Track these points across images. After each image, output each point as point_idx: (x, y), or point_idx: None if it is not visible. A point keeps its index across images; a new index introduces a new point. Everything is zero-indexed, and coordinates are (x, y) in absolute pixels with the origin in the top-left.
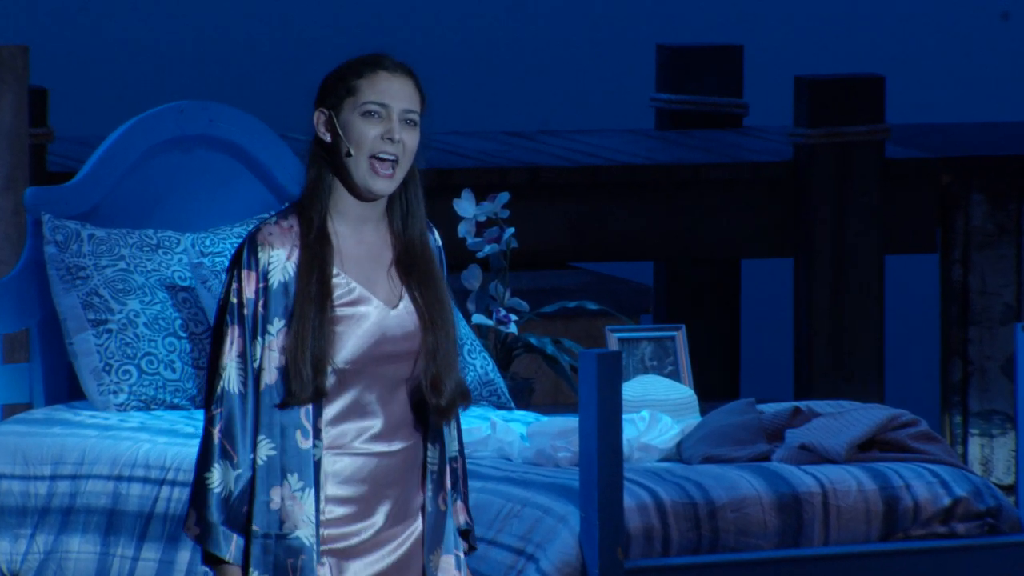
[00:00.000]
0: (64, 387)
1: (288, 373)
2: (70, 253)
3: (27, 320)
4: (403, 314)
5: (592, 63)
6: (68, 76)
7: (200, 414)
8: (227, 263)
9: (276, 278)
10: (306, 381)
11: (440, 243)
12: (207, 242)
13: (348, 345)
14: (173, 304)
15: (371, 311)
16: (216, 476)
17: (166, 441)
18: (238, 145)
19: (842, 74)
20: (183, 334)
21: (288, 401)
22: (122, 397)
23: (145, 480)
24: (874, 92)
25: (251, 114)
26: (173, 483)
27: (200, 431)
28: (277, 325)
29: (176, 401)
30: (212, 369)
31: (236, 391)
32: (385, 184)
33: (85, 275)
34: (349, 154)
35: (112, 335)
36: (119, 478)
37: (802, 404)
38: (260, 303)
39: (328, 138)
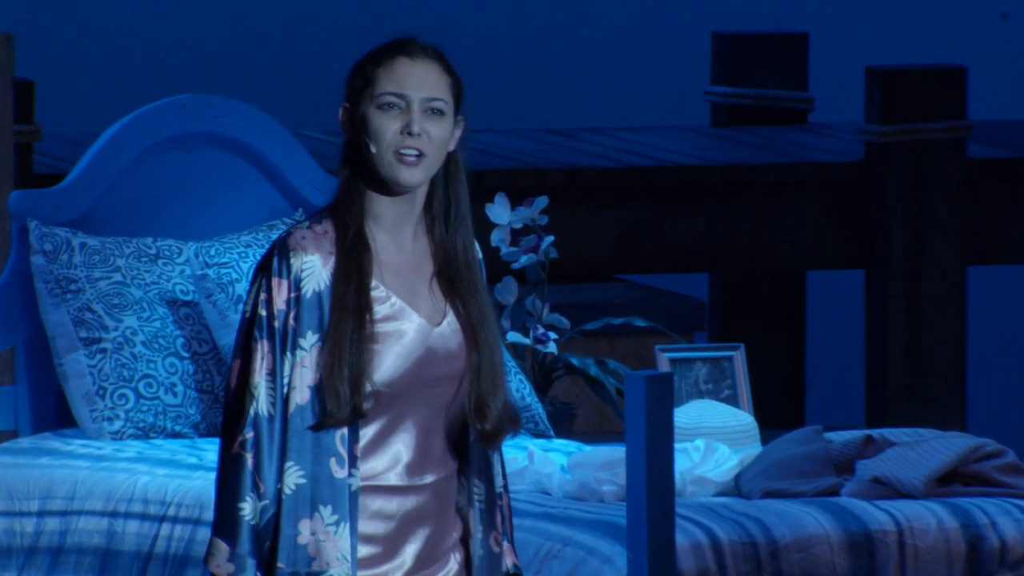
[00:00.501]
0: (53, 413)
1: (323, 391)
2: (60, 264)
3: (12, 338)
4: (447, 332)
5: (640, 53)
6: (57, 67)
7: (204, 443)
8: (233, 274)
9: (310, 287)
10: (343, 400)
11: (480, 255)
12: (212, 252)
13: (387, 365)
14: (174, 321)
15: (412, 328)
16: (249, 507)
17: (166, 473)
18: (246, 144)
19: (919, 65)
20: (185, 354)
21: (324, 422)
22: (117, 424)
23: (143, 516)
24: (954, 85)
25: (261, 109)
26: (174, 519)
27: (207, 459)
28: (311, 339)
29: (178, 429)
30: (241, 388)
31: (265, 413)
32: (411, 173)
33: (76, 288)
34: (370, 151)
35: (106, 355)
36: (114, 514)
37: (875, 432)
38: (291, 315)
39: (350, 135)
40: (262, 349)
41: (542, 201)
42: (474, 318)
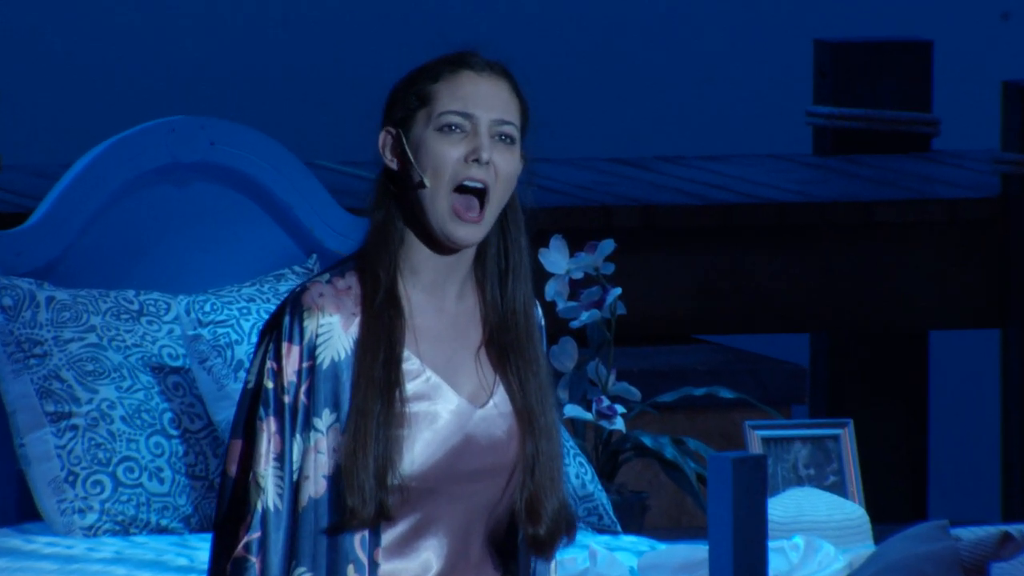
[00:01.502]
0: (13, 504)
1: (342, 483)
2: (22, 323)
3: None
4: (493, 416)
5: (727, 66)
6: (19, 85)
7: (196, 539)
8: (232, 335)
9: (327, 355)
10: (368, 496)
11: (543, 321)
12: (207, 307)
13: (415, 455)
14: (161, 391)
15: (449, 410)
16: None
17: None
18: (249, 176)
19: None
20: (174, 432)
21: (344, 523)
22: (91, 517)
23: None
24: None
25: (266, 134)
26: None
27: (199, 560)
28: (327, 419)
29: (164, 523)
30: (244, 477)
31: (273, 508)
32: (469, 231)
33: (42, 352)
34: (423, 184)
35: (78, 433)
36: None
37: (1013, 528)
38: (303, 388)
39: (395, 165)
40: (268, 429)
41: (608, 245)
42: (531, 400)
